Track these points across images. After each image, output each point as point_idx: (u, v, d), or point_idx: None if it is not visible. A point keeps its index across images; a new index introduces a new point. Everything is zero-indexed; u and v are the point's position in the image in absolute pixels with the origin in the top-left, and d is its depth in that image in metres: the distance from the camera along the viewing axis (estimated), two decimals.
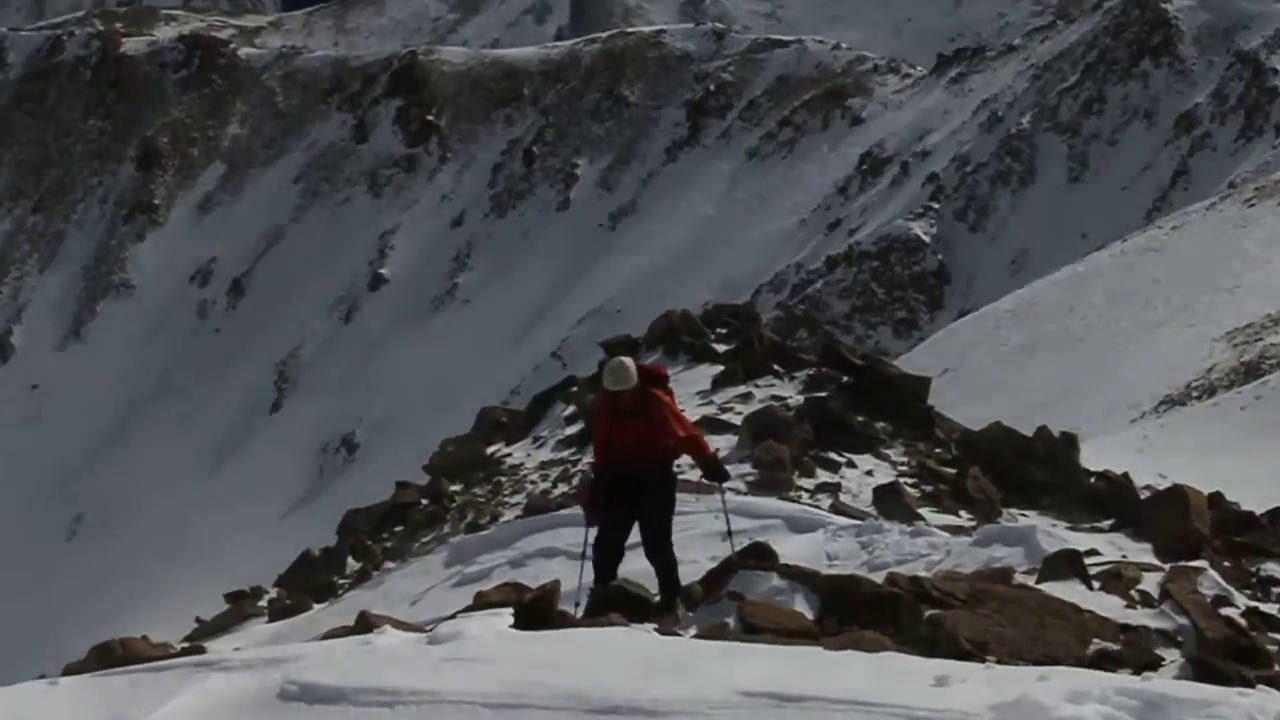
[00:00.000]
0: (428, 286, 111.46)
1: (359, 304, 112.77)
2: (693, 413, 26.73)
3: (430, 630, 10.30)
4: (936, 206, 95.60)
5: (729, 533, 14.77)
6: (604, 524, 13.68)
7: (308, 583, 27.08)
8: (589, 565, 14.03)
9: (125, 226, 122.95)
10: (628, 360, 13.58)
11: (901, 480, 23.27)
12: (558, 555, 17.27)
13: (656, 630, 11.11)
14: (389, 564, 25.85)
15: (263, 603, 26.55)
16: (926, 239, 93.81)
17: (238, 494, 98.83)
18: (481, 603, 13.17)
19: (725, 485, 14.47)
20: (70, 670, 14.07)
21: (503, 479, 29.56)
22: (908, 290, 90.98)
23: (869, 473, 24.03)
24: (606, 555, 13.65)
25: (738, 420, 26.35)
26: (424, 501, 29.90)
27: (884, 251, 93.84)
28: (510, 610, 11.17)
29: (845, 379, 28.61)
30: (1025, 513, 22.38)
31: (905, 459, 25.16)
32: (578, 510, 15.97)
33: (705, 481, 14.88)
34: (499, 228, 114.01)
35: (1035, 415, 33.05)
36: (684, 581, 13.84)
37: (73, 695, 9.21)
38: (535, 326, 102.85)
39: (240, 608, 26.38)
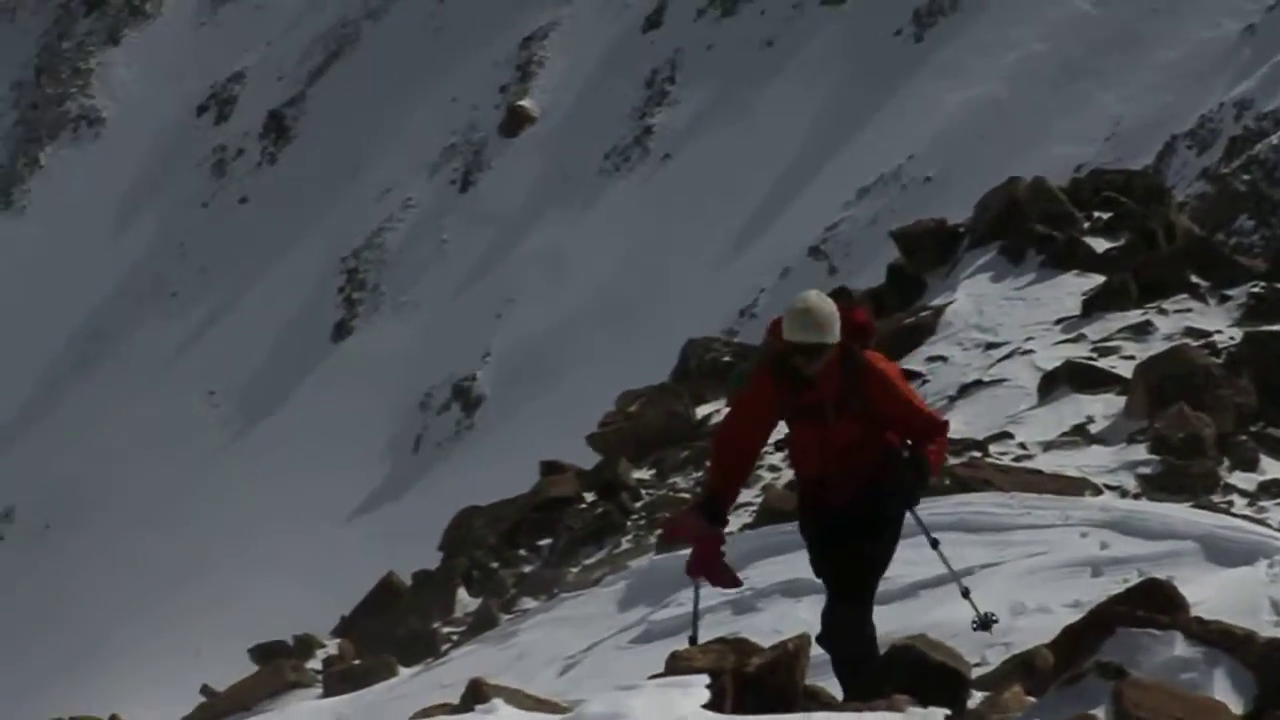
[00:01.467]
0: (600, 131, 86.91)
1: (484, 159, 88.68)
2: (1049, 352, 24.40)
3: (574, 712, 8.98)
4: None
5: (932, 540, 11.60)
6: (824, 573, 11.00)
7: (389, 632, 24.44)
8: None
9: (87, 20, 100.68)
10: (822, 304, 10.36)
11: None
12: (812, 592, 13.65)
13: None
14: (528, 602, 23.31)
15: (314, 663, 24.01)
16: None
17: (274, 477, 74.87)
18: (678, 668, 10.48)
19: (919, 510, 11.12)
20: None
21: None
22: None
23: None
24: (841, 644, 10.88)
25: (1127, 369, 22.86)
26: (589, 497, 26.23)
27: None
28: (706, 681, 9.40)
29: None
30: None
31: None
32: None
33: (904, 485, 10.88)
34: (722, 33, 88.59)
35: None
36: (1028, 640, 12.20)
37: None
38: (782, 203, 79.70)
39: (277, 672, 23.36)
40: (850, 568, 11.07)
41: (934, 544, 11.74)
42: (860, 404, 10.70)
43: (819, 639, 11.07)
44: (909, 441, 10.83)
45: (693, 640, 11.54)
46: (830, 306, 10.59)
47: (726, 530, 12.13)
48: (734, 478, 11.22)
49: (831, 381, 10.69)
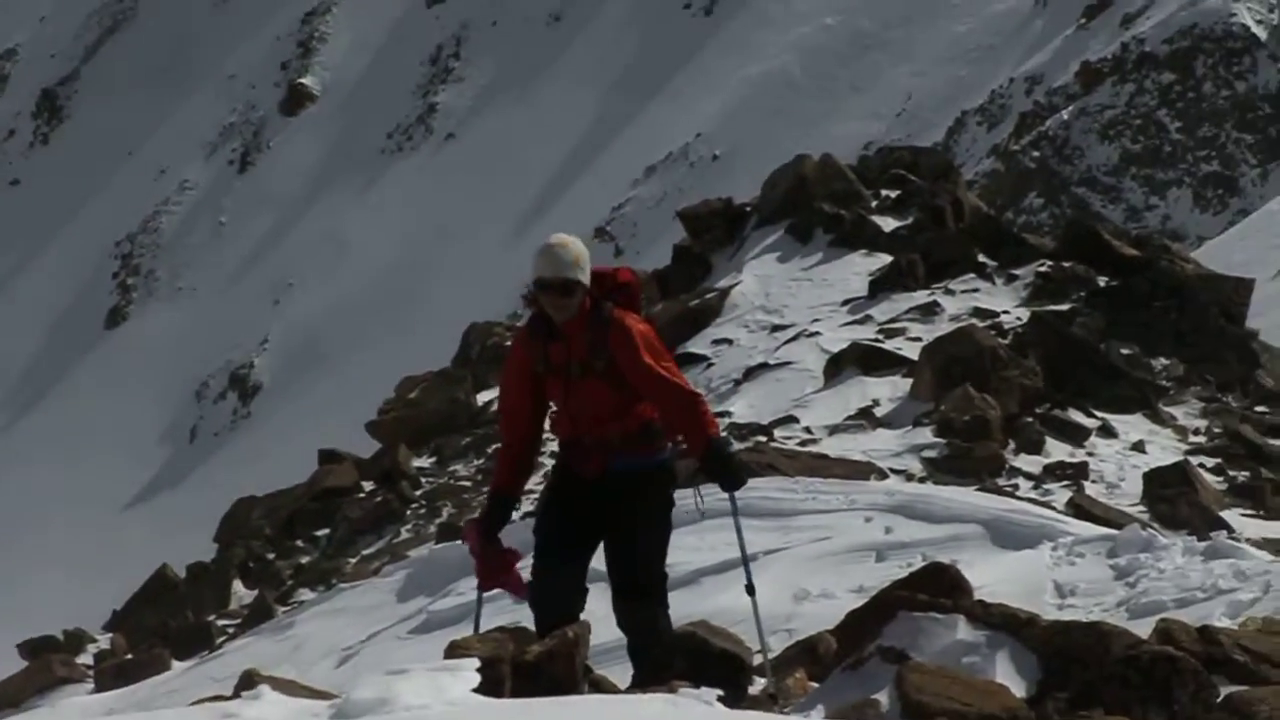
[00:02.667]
0: (383, 108, 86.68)
1: (263, 137, 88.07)
2: (835, 334, 24.41)
3: (341, 698, 8.43)
4: None
5: (745, 564, 11.00)
6: (546, 556, 10.45)
7: (163, 625, 24.21)
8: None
9: None
10: (574, 243, 10.02)
11: (1194, 459, 20.30)
12: (600, 579, 11.87)
13: (723, 702, 8.86)
14: (305, 593, 23.18)
15: (85, 658, 23.72)
16: (1260, 34, 68.01)
17: (46, 468, 73.89)
18: (457, 658, 9.94)
19: (736, 496, 10.64)
20: None
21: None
22: (1224, 125, 68.15)
23: (1137, 446, 20.83)
24: (551, 606, 10.49)
25: (913, 351, 22.72)
26: (368, 486, 26.32)
27: (1183, 56, 68.25)
28: (476, 665, 8.96)
29: (1103, 282, 25.25)
30: None
31: (1202, 422, 22.21)
32: None
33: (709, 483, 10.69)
34: (508, 8, 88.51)
35: None
36: (811, 625, 12.40)
37: None
38: (568, 182, 79.93)
39: (46, 667, 22.84)
40: (641, 542, 10.66)
41: (750, 591, 11.18)
42: (605, 363, 10.17)
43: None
44: (665, 418, 10.31)
45: (476, 630, 11.24)
46: (582, 247, 10.19)
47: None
48: (522, 463, 10.75)
49: (578, 336, 10.21)
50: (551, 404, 10.51)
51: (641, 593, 10.70)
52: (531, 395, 10.44)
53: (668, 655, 10.83)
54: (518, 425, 10.61)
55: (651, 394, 10.24)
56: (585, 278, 10.18)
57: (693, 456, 10.75)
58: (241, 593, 24.93)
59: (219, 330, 78.39)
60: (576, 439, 10.44)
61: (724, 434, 11.24)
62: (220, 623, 23.88)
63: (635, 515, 10.55)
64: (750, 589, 11.10)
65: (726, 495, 10.83)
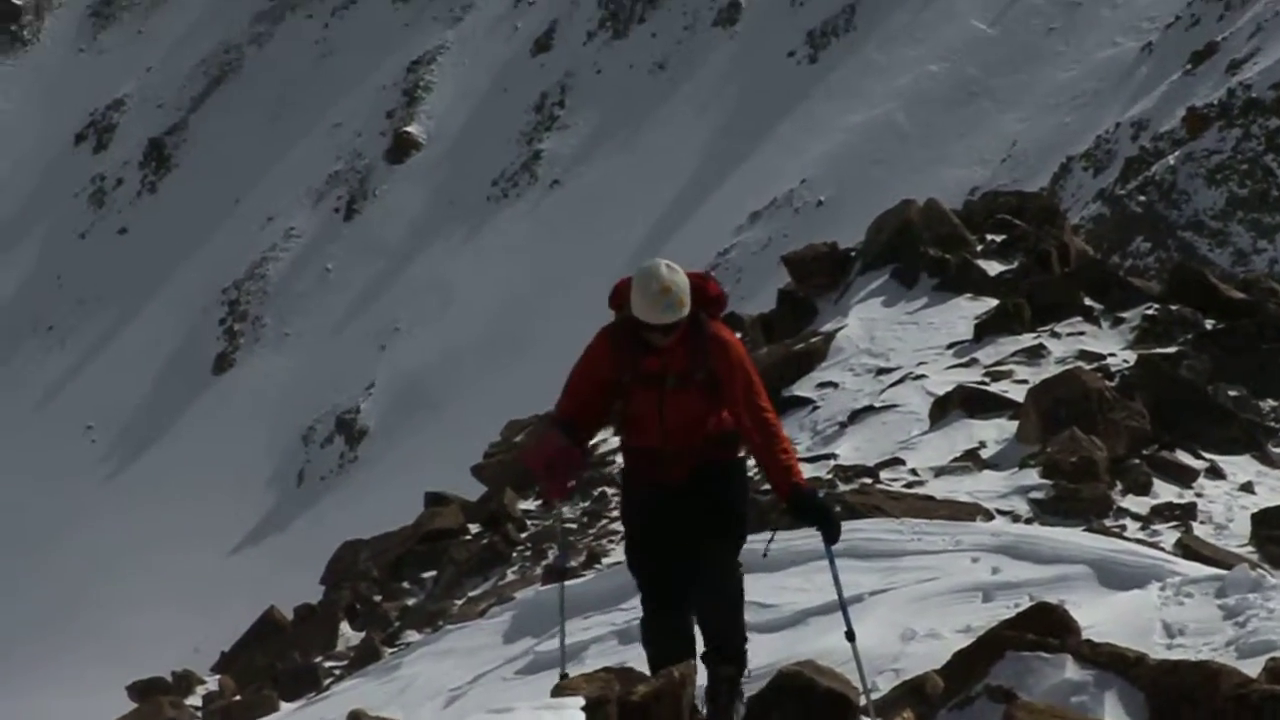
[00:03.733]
0: (488, 155, 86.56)
1: (369, 185, 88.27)
2: (941, 377, 24.36)
3: None
4: None
5: (844, 609, 10.87)
6: (646, 568, 10.35)
7: (271, 667, 24.20)
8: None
9: None
10: (676, 284, 9.84)
11: None
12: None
13: None
14: (412, 635, 22.97)
15: (194, 700, 24.19)
16: None
17: (155, 511, 74.10)
18: (564, 696, 10.32)
19: (832, 548, 10.50)
20: None
21: (610, 490, 25.42)
22: None
23: (1245, 486, 20.79)
24: (665, 628, 10.37)
25: (1019, 394, 22.77)
26: (474, 529, 26.19)
27: None
28: (581, 703, 9.52)
29: (1212, 325, 25.19)
30: None
31: None
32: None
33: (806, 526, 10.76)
34: (613, 56, 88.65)
35: None
36: (918, 666, 11.83)
37: None
38: (673, 228, 79.33)
39: (156, 709, 23.10)
40: (722, 557, 10.51)
41: (850, 637, 11.16)
42: (704, 375, 10.23)
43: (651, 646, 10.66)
44: (749, 441, 10.30)
45: (563, 675, 11.18)
46: (684, 278, 10.11)
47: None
48: (583, 427, 10.61)
49: (678, 350, 10.26)
50: (628, 412, 10.40)
51: (732, 606, 10.62)
52: (603, 397, 10.42)
53: (771, 695, 10.60)
54: (580, 421, 10.47)
55: (749, 420, 10.27)
56: (687, 311, 10.13)
57: (779, 497, 10.73)
58: (349, 634, 24.89)
59: (325, 375, 78.66)
60: (662, 449, 10.42)
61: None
62: (327, 664, 23.96)
63: (719, 510, 10.46)
64: (850, 635, 11.04)
65: (822, 542, 10.69)
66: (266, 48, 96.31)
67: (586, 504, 25.73)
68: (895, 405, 23.91)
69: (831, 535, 10.61)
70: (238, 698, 23.31)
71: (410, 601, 25.27)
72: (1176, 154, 64.45)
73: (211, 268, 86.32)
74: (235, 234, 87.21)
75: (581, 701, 10.03)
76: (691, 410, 10.33)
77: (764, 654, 12.10)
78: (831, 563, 11.13)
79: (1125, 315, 26.04)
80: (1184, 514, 19.83)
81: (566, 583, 17.94)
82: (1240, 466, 21.51)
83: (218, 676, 25.49)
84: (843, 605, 11.19)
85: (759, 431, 10.30)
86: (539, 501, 27.09)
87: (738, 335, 11.16)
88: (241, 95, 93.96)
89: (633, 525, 10.78)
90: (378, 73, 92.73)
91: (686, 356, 10.25)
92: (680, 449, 10.43)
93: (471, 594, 24.28)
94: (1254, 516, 19.14)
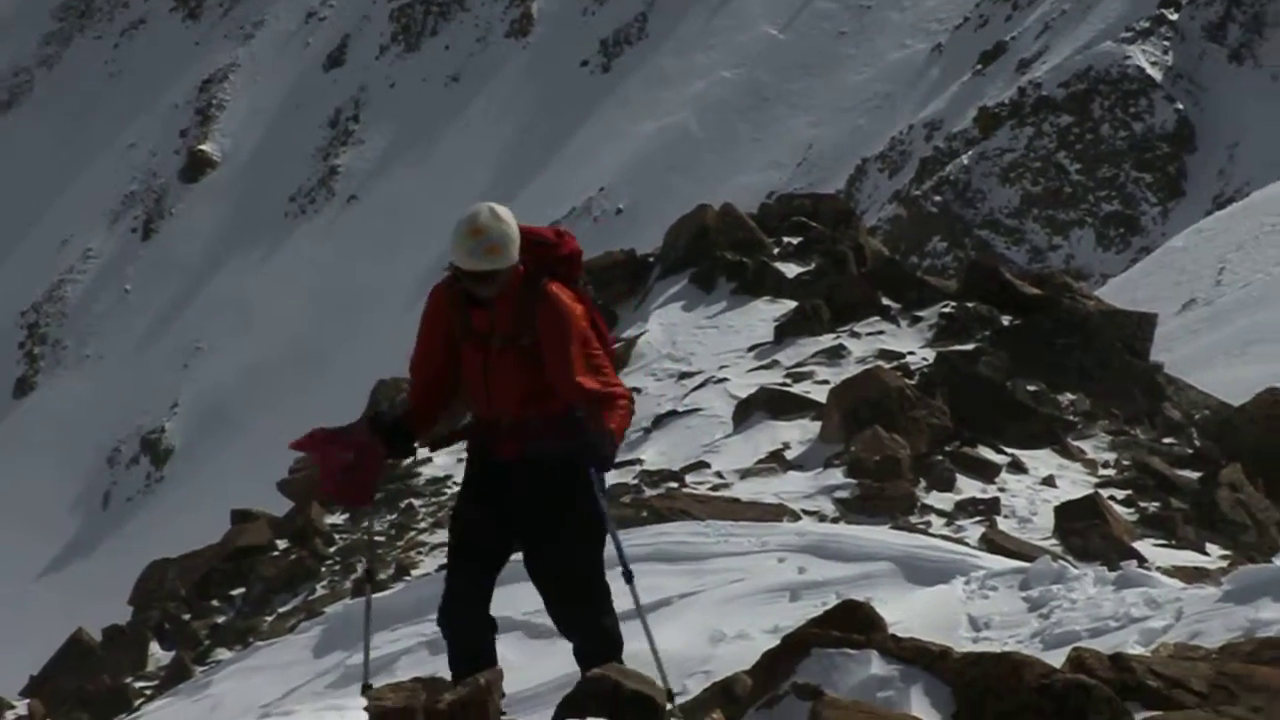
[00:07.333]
0: (284, 172, 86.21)
1: (165, 204, 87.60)
2: (743, 379, 24.38)
3: None
4: (1174, 19, 70.40)
5: (627, 572, 9.89)
6: (460, 554, 9.61)
7: (81, 689, 23.82)
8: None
9: None
10: (493, 227, 9.08)
11: (1104, 492, 20.45)
12: (513, 629, 13.43)
13: None
14: (222, 652, 22.89)
15: None
16: (1155, 75, 68.97)
17: None
18: (373, 709, 9.84)
19: (598, 473, 9.42)
20: None
21: (417, 502, 25.68)
22: (1122, 166, 68.23)
23: (1047, 480, 21.08)
24: (464, 613, 9.65)
25: (821, 394, 22.81)
26: (282, 544, 25.84)
27: (1081, 99, 67.55)
28: (364, 704, 9.26)
29: (1008, 321, 25.37)
30: None
31: (1111, 455, 22.42)
32: None
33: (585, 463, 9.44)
34: (406, 69, 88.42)
35: None
36: (727, 667, 11.76)
37: None
38: None
39: None
40: (572, 546, 9.71)
41: (629, 578, 10.37)
42: (531, 340, 9.31)
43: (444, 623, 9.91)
44: (589, 388, 9.36)
45: (366, 685, 10.57)
46: (505, 226, 9.34)
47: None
48: (431, 402, 9.71)
49: (506, 308, 9.39)
50: (464, 374, 9.63)
51: (584, 595, 9.96)
52: (446, 356, 9.58)
53: (576, 700, 10.08)
54: (430, 384, 9.65)
55: (563, 390, 9.39)
56: (508, 262, 9.31)
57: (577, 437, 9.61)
58: (158, 654, 24.54)
59: (128, 396, 78.10)
60: (493, 419, 9.58)
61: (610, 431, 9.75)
62: (138, 685, 23.74)
63: (560, 508, 9.67)
64: (628, 575, 10.15)
65: (595, 474, 9.60)
66: (56, 69, 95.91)
67: (394, 516, 25.61)
68: (698, 409, 24.08)
69: (596, 463, 9.45)
70: None
71: (220, 619, 25.07)
72: (970, 154, 66.05)
73: (8, 291, 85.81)
74: (31, 256, 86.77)
75: (364, 701, 9.76)
76: (517, 377, 9.42)
77: (567, 662, 11.75)
78: (603, 494, 9.84)
79: (923, 314, 26.16)
80: (987, 509, 20.04)
81: (374, 595, 18.44)
82: (1041, 460, 21.86)
83: (27, 700, 24.91)
84: (619, 549, 9.96)
85: (584, 404, 9.30)
86: (346, 515, 27.09)
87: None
88: (33, 117, 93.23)
89: (459, 500, 9.94)
90: (170, 92, 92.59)
91: (513, 316, 9.39)
92: (511, 421, 9.53)
93: (281, 610, 24.14)
94: (1056, 509, 19.38)
